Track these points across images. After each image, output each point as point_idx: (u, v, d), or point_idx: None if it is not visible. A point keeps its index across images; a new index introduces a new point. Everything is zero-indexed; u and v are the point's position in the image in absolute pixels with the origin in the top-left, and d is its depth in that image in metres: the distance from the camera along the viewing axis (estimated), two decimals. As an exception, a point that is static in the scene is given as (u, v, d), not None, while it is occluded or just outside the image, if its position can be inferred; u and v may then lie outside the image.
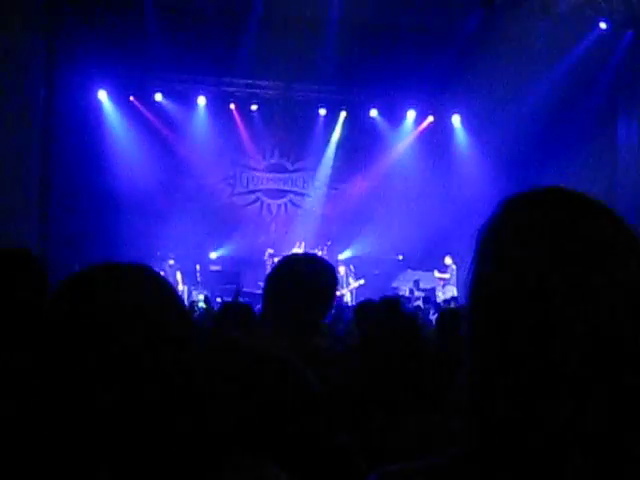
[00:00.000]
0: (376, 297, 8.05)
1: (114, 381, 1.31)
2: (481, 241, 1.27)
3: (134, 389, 1.32)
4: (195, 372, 1.42)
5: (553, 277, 1.14)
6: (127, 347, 1.33)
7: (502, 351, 1.17)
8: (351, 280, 19.35)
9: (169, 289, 1.49)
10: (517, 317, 1.15)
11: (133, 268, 1.49)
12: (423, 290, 19.66)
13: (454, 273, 19.49)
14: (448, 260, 19.64)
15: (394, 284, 19.93)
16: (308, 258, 3.22)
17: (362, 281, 19.20)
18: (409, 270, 20.76)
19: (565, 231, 1.18)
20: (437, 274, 19.71)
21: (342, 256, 20.45)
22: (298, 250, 19.56)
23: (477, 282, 1.24)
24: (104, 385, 1.31)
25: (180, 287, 18.27)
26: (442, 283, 19.58)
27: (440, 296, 18.99)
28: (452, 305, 15.35)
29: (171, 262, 18.50)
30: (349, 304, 17.09)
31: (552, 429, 1.13)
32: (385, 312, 6.28)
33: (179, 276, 18.46)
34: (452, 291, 19.11)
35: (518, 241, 1.20)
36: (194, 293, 18.21)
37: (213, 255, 19.78)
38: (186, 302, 16.75)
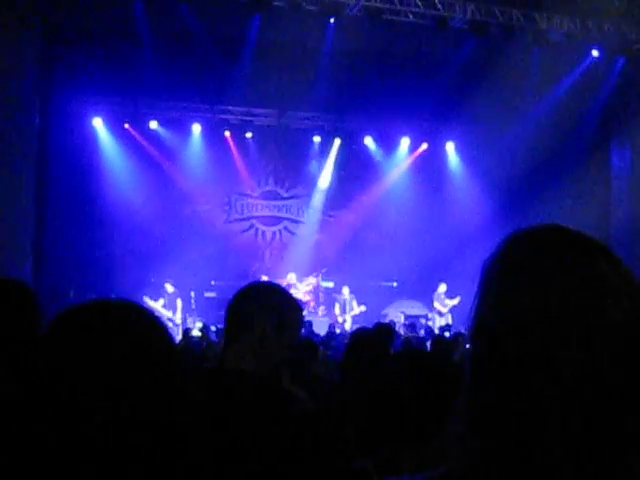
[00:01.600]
0: (368, 324, 8.02)
1: (94, 433, 1.32)
2: (483, 278, 1.30)
3: (114, 441, 1.33)
4: (179, 413, 1.43)
5: (554, 323, 1.17)
6: (109, 398, 1.34)
7: (498, 389, 1.19)
8: (354, 305, 19.29)
9: (159, 331, 1.49)
10: (514, 360, 1.18)
11: (123, 308, 1.49)
12: (411, 317, 19.51)
13: (446, 303, 19.45)
14: (442, 288, 19.62)
15: (384, 311, 19.81)
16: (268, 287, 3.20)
17: (364, 307, 19.11)
18: (402, 299, 20.70)
19: (567, 275, 1.20)
20: (439, 306, 19.64)
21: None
22: (290, 280, 19.56)
23: (477, 321, 1.27)
24: (82, 440, 1.32)
25: (179, 316, 18.16)
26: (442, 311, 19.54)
27: (437, 322, 18.95)
28: (446, 334, 15.29)
29: (170, 289, 18.33)
30: (347, 330, 17.02)
31: (542, 470, 1.15)
32: (382, 340, 6.26)
33: (179, 303, 18.35)
34: (447, 319, 19.11)
35: (518, 284, 1.23)
36: (189, 320, 18.14)
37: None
38: (180, 332, 16.71)
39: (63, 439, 1.31)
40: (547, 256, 1.23)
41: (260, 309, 2.89)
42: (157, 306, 17.91)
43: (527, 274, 1.22)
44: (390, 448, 2.83)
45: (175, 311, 18.25)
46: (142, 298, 17.53)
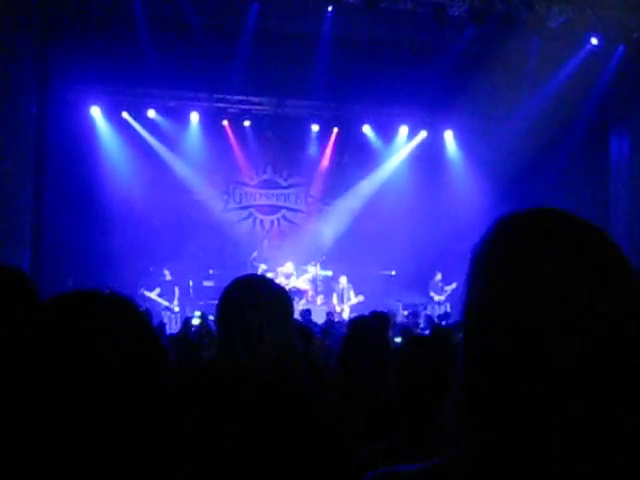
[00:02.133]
0: (366, 313, 8.02)
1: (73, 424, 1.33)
2: (473, 263, 1.28)
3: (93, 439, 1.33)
4: (164, 411, 1.43)
5: (544, 307, 1.15)
6: (89, 389, 1.35)
7: (490, 375, 1.19)
8: (352, 295, 19.28)
9: (143, 325, 1.49)
10: (505, 345, 1.17)
11: (109, 301, 1.49)
12: (410, 306, 19.54)
13: (445, 289, 19.53)
14: (438, 276, 19.69)
15: (380, 300, 19.77)
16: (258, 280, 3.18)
17: (362, 297, 19.10)
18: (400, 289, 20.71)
19: (558, 259, 1.18)
20: (435, 294, 19.71)
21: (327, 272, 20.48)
22: (288, 269, 19.57)
23: (468, 306, 1.25)
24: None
25: (176, 304, 18.21)
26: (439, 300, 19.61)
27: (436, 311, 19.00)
28: (443, 323, 15.30)
29: (168, 277, 18.43)
30: (345, 319, 16.97)
31: (538, 460, 1.15)
32: (379, 328, 6.26)
33: (177, 291, 18.43)
34: (446, 307, 19.16)
35: (508, 267, 1.21)
36: (187, 309, 18.15)
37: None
38: (179, 320, 16.73)
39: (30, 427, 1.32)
40: (540, 239, 1.21)
41: (251, 306, 2.88)
42: (153, 295, 17.96)
43: (518, 257, 1.20)
44: (390, 436, 2.83)
45: (173, 299, 18.29)
46: (139, 288, 17.61)
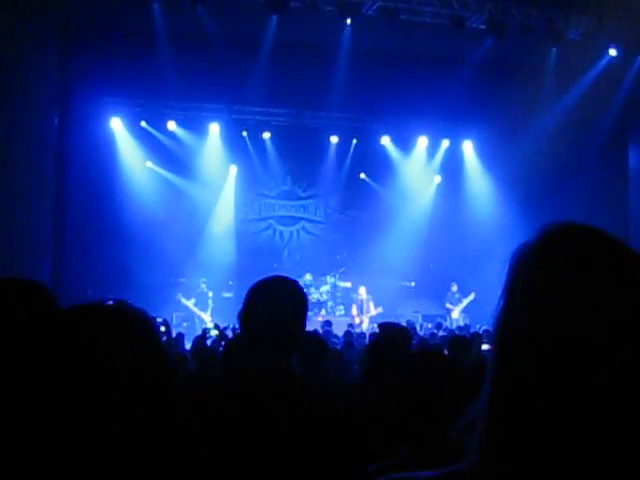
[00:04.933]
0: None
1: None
2: (514, 272, 1.23)
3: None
4: (169, 428, 1.46)
5: (595, 332, 1.13)
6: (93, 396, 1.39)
7: (521, 389, 1.16)
8: (371, 306, 19.20)
9: (151, 338, 1.53)
10: (554, 364, 1.14)
11: (110, 312, 1.53)
12: (428, 317, 19.51)
13: (462, 300, 19.48)
14: (454, 287, 19.65)
15: (399, 311, 19.72)
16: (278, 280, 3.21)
17: (381, 309, 18.97)
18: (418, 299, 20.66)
19: (606, 283, 1.15)
20: (451, 306, 19.67)
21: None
22: (308, 280, 19.61)
23: (508, 320, 1.21)
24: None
25: (208, 316, 18.21)
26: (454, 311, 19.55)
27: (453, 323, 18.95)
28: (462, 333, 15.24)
29: (204, 287, 18.55)
30: (364, 331, 16.90)
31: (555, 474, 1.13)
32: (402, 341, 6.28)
33: (211, 304, 18.56)
34: (463, 319, 19.10)
35: (558, 284, 1.17)
36: (207, 320, 18.18)
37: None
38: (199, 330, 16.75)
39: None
40: (592, 260, 1.17)
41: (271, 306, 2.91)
42: (189, 304, 18.10)
43: (570, 277, 1.16)
44: (407, 446, 2.85)
45: (207, 309, 18.41)
46: (173, 295, 17.76)
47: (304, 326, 2.99)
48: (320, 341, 6.86)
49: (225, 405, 2.61)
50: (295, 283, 3.07)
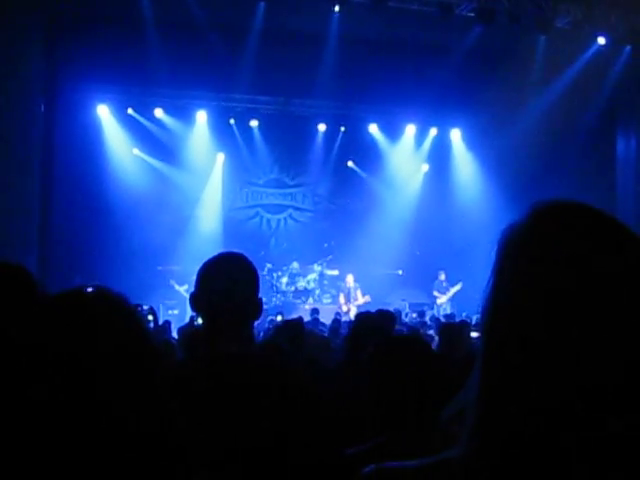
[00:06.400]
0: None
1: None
2: (503, 252, 1.21)
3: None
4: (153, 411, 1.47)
5: (587, 309, 1.10)
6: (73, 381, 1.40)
7: (513, 371, 1.14)
8: (359, 295, 19.22)
9: (131, 322, 1.53)
10: (544, 343, 1.11)
11: (100, 301, 1.53)
12: (415, 305, 19.51)
13: (449, 288, 19.52)
14: (442, 276, 19.68)
15: (387, 299, 19.72)
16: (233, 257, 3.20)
17: (368, 298, 18.97)
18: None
19: (602, 260, 1.14)
20: (438, 294, 19.70)
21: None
22: (295, 268, 19.64)
23: (498, 298, 1.19)
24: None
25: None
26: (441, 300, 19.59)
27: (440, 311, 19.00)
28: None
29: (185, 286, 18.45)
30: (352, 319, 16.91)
31: (556, 454, 1.10)
32: (382, 325, 6.28)
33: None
34: (449, 307, 19.16)
35: (546, 259, 1.15)
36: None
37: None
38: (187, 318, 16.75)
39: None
40: (583, 237, 1.16)
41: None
42: (181, 290, 18.05)
43: (559, 255, 1.14)
44: (387, 434, 2.84)
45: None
46: (161, 283, 17.73)
47: (257, 294, 2.97)
48: (299, 323, 6.93)
49: (190, 386, 2.60)
50: (241, 255, 3.10)
